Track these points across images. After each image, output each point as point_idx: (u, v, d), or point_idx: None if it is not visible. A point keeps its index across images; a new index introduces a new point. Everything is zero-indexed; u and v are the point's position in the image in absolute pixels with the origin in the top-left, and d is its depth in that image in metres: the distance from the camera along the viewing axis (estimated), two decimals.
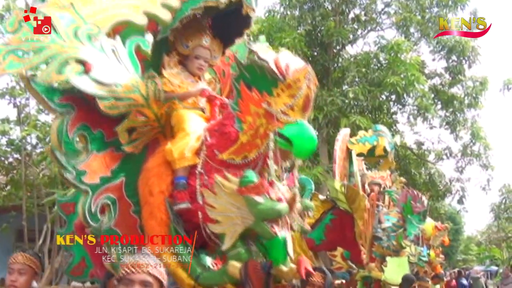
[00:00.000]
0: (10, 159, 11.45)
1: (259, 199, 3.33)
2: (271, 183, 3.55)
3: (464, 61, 16.21)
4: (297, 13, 16.10)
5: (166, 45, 4.31)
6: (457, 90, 17.31)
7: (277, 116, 3.31)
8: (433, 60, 17.23)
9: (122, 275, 2.56)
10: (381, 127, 8.06)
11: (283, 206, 3.41)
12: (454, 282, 19.18)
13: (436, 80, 17.79)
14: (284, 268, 3.58)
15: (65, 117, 3.67)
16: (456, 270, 22.94)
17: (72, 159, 3.66)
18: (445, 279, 17.38)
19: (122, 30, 3.97)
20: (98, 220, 3.73)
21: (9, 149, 11.26)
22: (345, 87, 14.43)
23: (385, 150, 7.64)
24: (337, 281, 7.46)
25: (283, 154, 3.44)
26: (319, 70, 15.16)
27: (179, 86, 4.16)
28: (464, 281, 18.52)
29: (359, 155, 7.86)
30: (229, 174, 3.52)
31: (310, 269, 3.68)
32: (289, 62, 3.32)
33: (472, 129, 17.47)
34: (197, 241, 3.80)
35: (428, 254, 11.33)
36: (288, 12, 16.41)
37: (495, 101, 61.37)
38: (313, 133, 3.33)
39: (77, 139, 3.73)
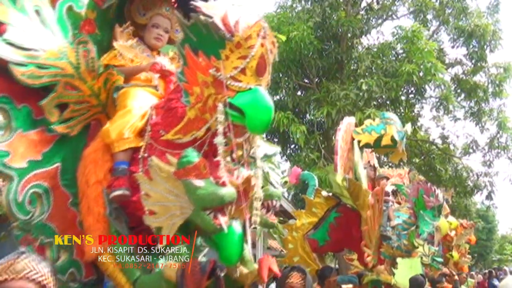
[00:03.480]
0: None
1: (198, 183, 2.72)
2: (216, 164, 2.94)
3: (485, 46, 15.38)
4: (308, 6, 15.50)
5: (119, 15, 3.75)
6: (480, 78, 16.55)
7: (227, 83, 2.73)
8: (453, 47, 16.45)
9: None
10: (389, 114, 7.30)
11: (228, 191, 2.77)
12: (486, 283, 18.33)
13: (458, 69, 17.03)
14: (243, 270, 3.02)
15: None
16: (487, 270, 21.94)
17: None
18: (474, 280, 16.57)
19: None
20: (27, 212, 3.21)
21: None
22: (360, 80, 13.67)
23: (393, 139, 6.88)
24: (345, 286, 6.78)
25: (236, 129, 2.84)
26: (332, 63, 14.60)
27: (132, 60, 3.65)
28: (496, 282, 17.56)
29: (365, 146, 7.14)
30: (171, 156, 2.93)
31: (276, 269, 3.03)
32: (239, 17, 2.71)
33: (498, 120, 16.57)
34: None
35: (451, 255, 10.55)
36: (299, 6, 15.85)
37: None
38: (270, 101, 2.71)
39: None
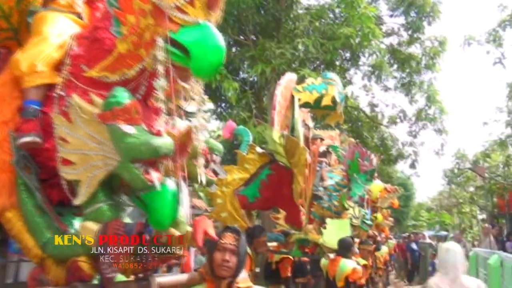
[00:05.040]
0: None
1: (128, 129, 2.32)
2: (156, 111, 2.54)
3: (423, 17, 15.43)
4: None
5: None
6: (414, 50, 16.74)
7: (170, 13, 2.30)
8: (391, 16, 16.45)
9: None
10: (331, 74, 7.05)
11: (164, 142, 2.38)
12: (404, 246, 19.12)
13: (394, 39, 17.09)
14: (174, 233, 2.62)
15: None
16: (407, 234, 22.94)
17: None
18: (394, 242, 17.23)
19: None
20: None
21: None
22: (296, 40, 13.39)
23: (334, 100, 6.67)
24: (270, 243, 6.65)
25: (178, 71, 2.42)
26: (269, 21, 14.26)
27: None
28: (414, 246, 18.30)
29: (304, 105, 6.90)
30: (95, 95, 2.49)
31: (212, 233, 2.65)
32: None
33: (428, 92, 16.91)
34: (58, 193, 2.79)
35: (375, 217, 10.78)
36: None
37: (452, 62, 61.99)
38: (221, 40, 2.30)
39: None
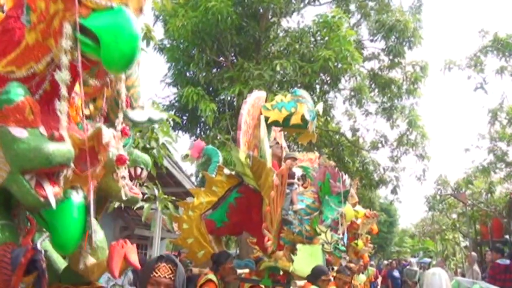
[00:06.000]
0: None
1: (18, 132, 1.94)
2: (55, 110, 2.18)
3: (404, 42, 15.26)
4: None
5: None
6: (395, 74, 16.60)
7: None
8: (372, 41, 16.30)
9: None
10: (301, 91, 6.77)
11: (59, 148, 1.99)
12: (386, 273, 18.76)
13: (375, 64, 16.94)
14: (88, 261, 2.28)
15: None
16: (389, 261, 22.56)
17: None
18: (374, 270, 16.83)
19: None
20: None
21: None
22: (274, 62, 13.19)
23: (303, 119, 6.38)
24: (240, 271, 6.29)
25: (90, 63, 2.10)
26: (249, 42, 14.09)
27: None
28: (396, 273, 17.89)
29: (273, 123, 6.60)
30: None
31: (134, 260, 2.31)
32: None
33: (409, 117, 16.72)
34: None
35: (356, 244, 10.42)
36: None
37: (434, 88, 62.56)
38: (136, 28, 1.98)
39: None
